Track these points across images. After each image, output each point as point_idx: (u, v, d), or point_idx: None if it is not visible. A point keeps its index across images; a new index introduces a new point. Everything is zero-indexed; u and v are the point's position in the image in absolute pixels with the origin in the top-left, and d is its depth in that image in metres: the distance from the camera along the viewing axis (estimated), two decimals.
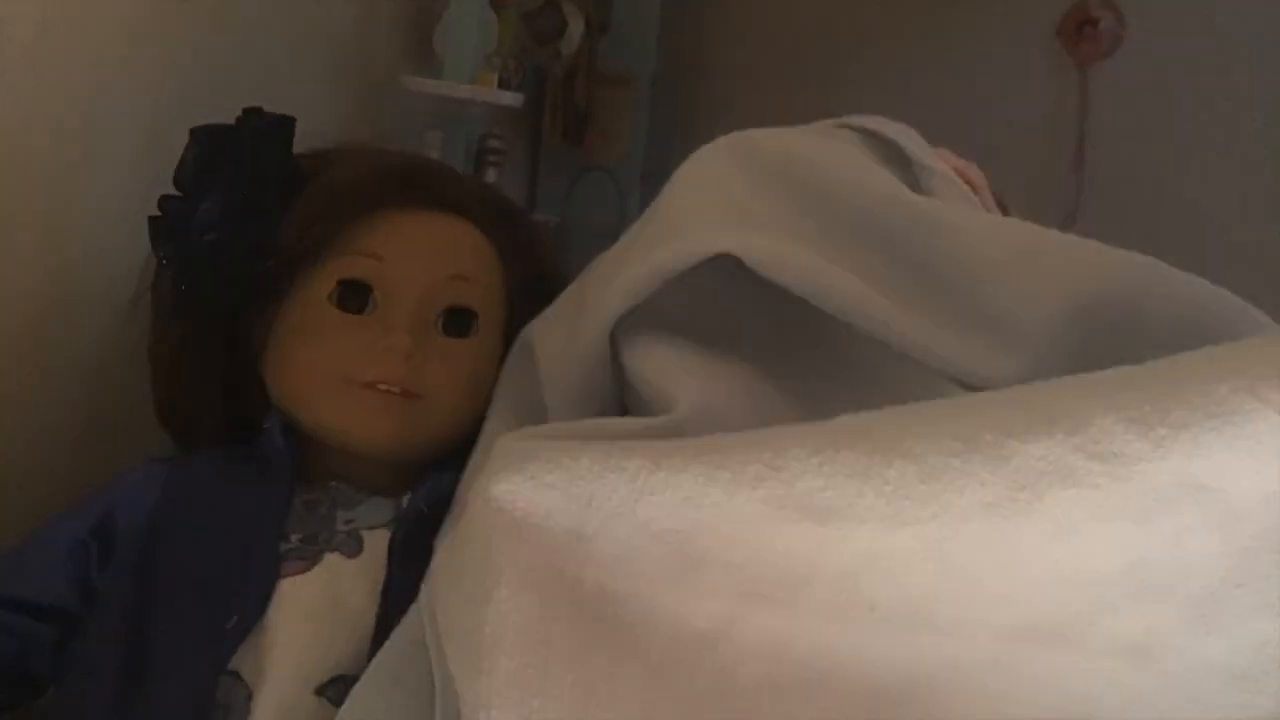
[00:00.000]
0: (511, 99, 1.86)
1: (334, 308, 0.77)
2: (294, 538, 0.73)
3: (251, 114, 0.80)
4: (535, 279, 0.85)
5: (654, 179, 3.20)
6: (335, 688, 0.67)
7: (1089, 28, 2.83)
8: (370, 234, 0.78)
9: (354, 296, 0.77)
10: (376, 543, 0.73)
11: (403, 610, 0.67)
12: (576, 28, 2.42)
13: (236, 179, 0.77)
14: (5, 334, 0.86)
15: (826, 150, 0.69)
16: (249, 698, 0.66)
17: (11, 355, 0.87)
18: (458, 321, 0.80)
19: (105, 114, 0.93)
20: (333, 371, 0.76)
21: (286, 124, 0.80)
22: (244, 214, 0.77)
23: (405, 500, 0.75)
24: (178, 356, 0.81)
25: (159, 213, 0.78)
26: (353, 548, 0.73)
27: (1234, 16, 2.70)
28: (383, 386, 0.76)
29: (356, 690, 0.62)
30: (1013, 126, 2.75)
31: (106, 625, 0.71)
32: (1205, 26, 2.72)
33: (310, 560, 0.72)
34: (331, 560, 0.72)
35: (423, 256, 0.79)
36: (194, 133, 0.79)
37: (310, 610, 0.70)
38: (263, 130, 0.79)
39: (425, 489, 0.74)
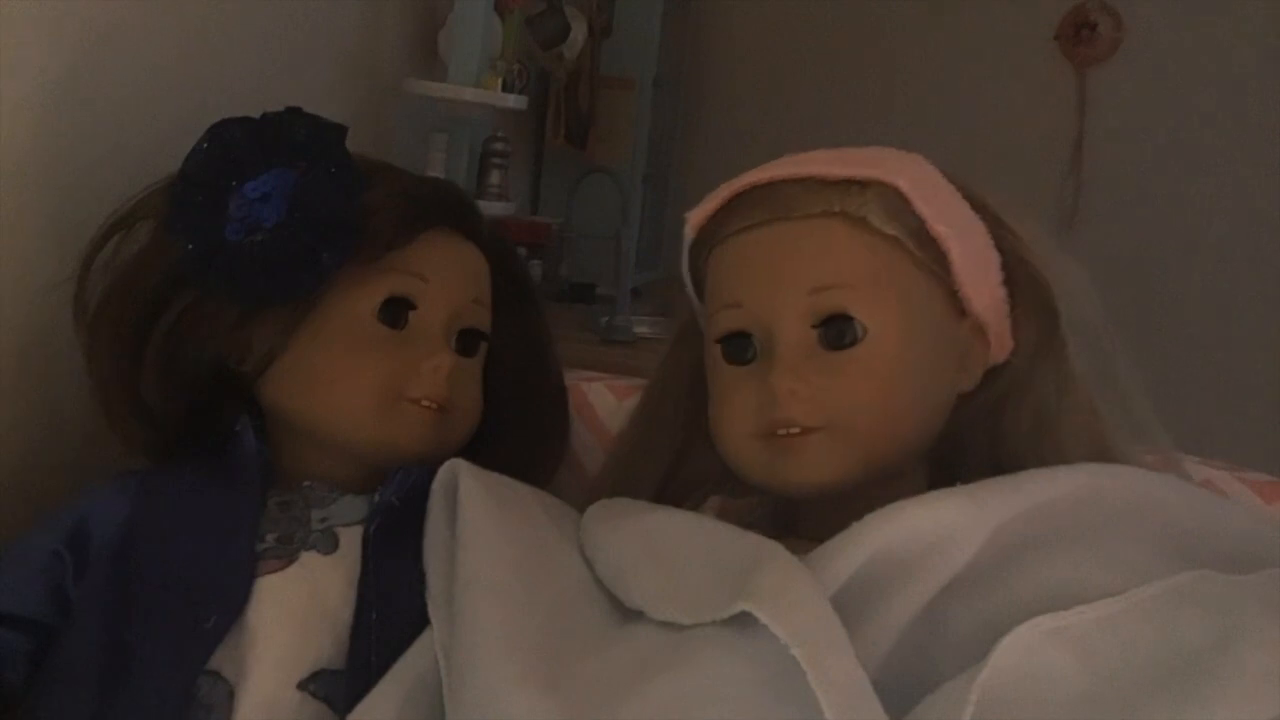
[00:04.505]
0: (515, 102, 1.87)
1: (378, 323, 0.79)
2: (269, 537, 0.75)
3: (298, 112, 0.81)
4: (514, 312, 0.89)
5: (655, 181, 3.23)
6: (317, 682, 0.69)
7: (1087, 31, 2.84)
8: (418, 255, 0.81)
9: (396, 313, 0.79)
10: (351, 539, 0.75)
11: (379, 601, 0.71)
12: (579, 32, 2.43)
13: (300, 180, 0.78)
14: (14, 337, 0.87)
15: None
16: (231, 695, 0.68)
17: (19, 357, 0.88)
18: (469, 341, 0.83)
19: (113, 118, 0.94)
20: (382, 386, 0.78)
21: (341, 129, 0.82)
22: (306, 217, 0.78)
23: (377, 495, 0.77)
24: (164, 355, 0.81)
25: (179, 199, 0.79)
26: (328, 545, 0.75)
27: (1231, 20, 2.71)
28: (426, 402, 0.78)
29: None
30: (1012, 129, 2.76)
31: (84, 632, 0.72)
32: (1203, 30, 2.73)
33: (287, 559, 0.74)
34: (308, 558, 0.74)
35: (457, 280, 0.83)
36: (230, 123, 0.80)
37: (289, 607, 0.71)
38: (323, 130, 0.81)
39: (396, 483, 0.77)
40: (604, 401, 0.99)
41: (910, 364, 0.72)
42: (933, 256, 0.73)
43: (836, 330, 0.71)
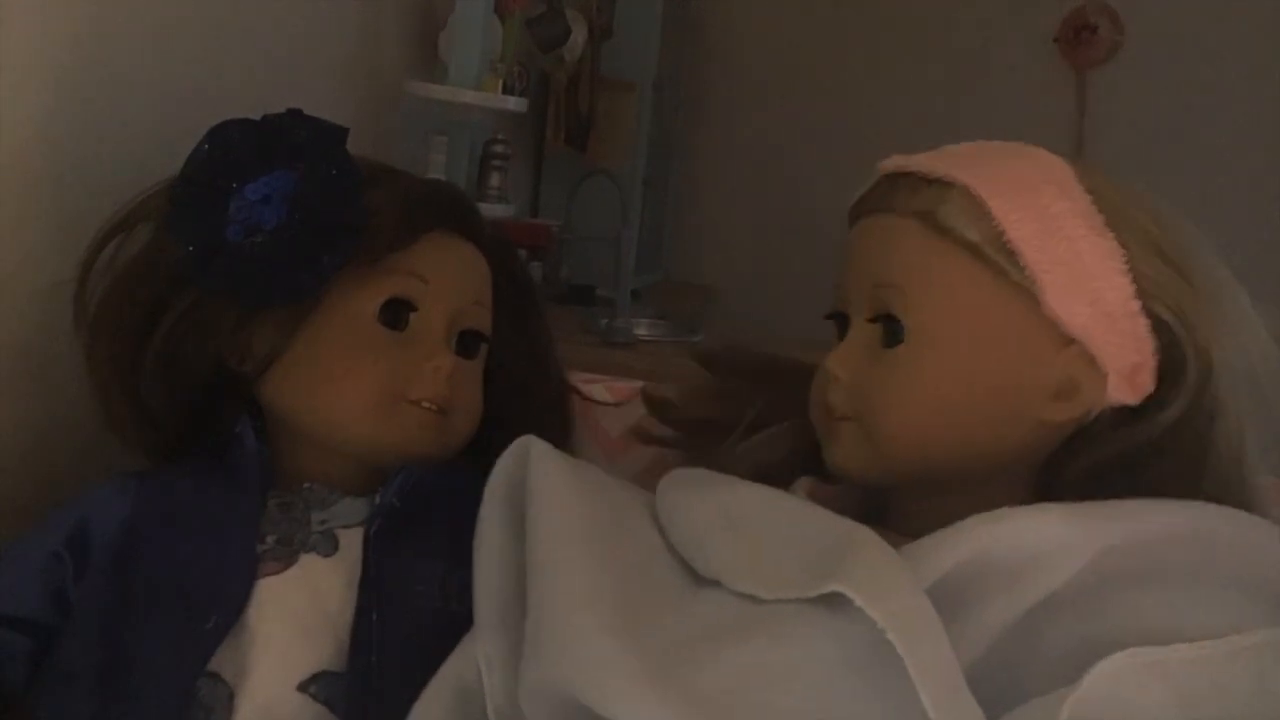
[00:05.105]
0: (515, 104, 1.87)
1: (379, 324, 0.79)
2: (269, 539, 0.75)
3: (299, 114, 0.82)
4: (515, 314, 0.89)
5: (656, 183, 3.23)
6: (317, 684, 0.69)
7: (1087, 33, 2.84)
8: (419, 256, 0.81)
9: (396, 314, 0.80)
10: (351, 541, 0.75)
11: (380, 603, 0.71)
12: (580, 34, 2.43)
13: (300, 182, 0.78)
14: (13, 334, 0.87)
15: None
16: (231, 697, 0.68)
17: (18, 356, 0.88)
18: (469, 343, 0.83)
19: (113, 119, 0.94)
20: (382, 388, 0.78)
21: (342, 131, 0.82)
22: (306, 218, 0.78)
23: (377, 497, 0.77)
24: (164, 356, 0.81)
25: (179, 201, 0.79)
26: (328, 548, 0.75)
27: (1231, 21, 2.71)
28: (426, 404, 0.79)
29: None
30: (1011, 131, 2.75)
31: (84, 634, 0.72)
32: (1202, 32, 2.74)
33: (286, 561, 0.74)
34: (308, 560, 0.74)
35: (458, 281, 0.83)
36: (230, 125, 0.80)
37: (289, 609, 0.71)
38: (324, 132, 0.81)
39: (396, 484, 0.77)
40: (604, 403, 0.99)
41: (952, 376, 0.70)
42: (1022, 268, 0.69)
43: (888, 328, 0.71)
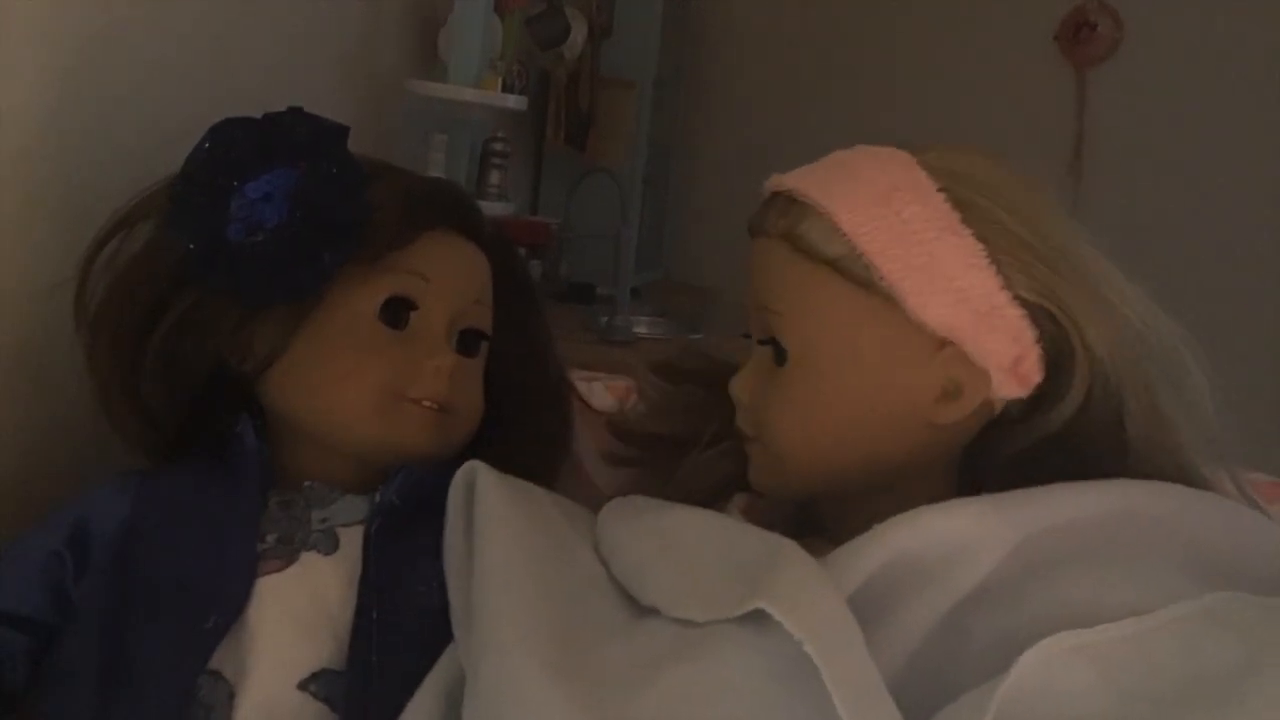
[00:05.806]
0: (515, 102, 1.87)
1: (380, 323, 0.79)
2: (270, 538, 0.75)
3: (299, 112, 0.82)
4: (516, 312, 0.89)
5: (656, 182, 3.24)
6: (317, 682, 0.69)
7: (1087, 31, 2.85)
8: (420, 254, 0.81)
9: (397, 313, 0.80)
10: (352, 539, 0.75)
11: (380, 601, 0.71)
12: (579, 32, 2.43)
13: (301, 180, 0.78)
14: (15, 337, 0.87)
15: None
16: (231, 695, 0.68)
17: (18, 355, 0.88)
18: (470, 341, 0.83)
19: (113, 118, 0.94)
20: (383, 387, 0.78)
21: (343, 129, 0.82)
22: (307, 217, 0.78)
23: (378, 495, 0.77)
24: (165, 355, 0.81)
25: (180, 199, 0.79)
26: (329, 546, 0.75)
27: (1231, 20, 2.72)
28: (427, 403, 0.79)
29: None
30: (1012, 129, 2.77)
31: (85, 633, 0.72)
32: (1202, 30, 2.74)
33: (287, 559, 0.73)
34: (308, 559, 0.74)
35: (459, 280, 0.83)
36: (231, 123, 0.80)
37: (290, 608, 0.71)
38: (325, 130, 0.81)
39: (397, 482, 0.77)
40: (604, 402, 0.99)
41: (835, 391, 0.71)
42: (881, 279, 0.69)
43: (777, 350, 0.73)
